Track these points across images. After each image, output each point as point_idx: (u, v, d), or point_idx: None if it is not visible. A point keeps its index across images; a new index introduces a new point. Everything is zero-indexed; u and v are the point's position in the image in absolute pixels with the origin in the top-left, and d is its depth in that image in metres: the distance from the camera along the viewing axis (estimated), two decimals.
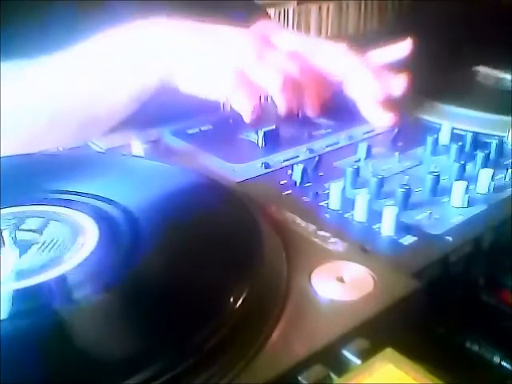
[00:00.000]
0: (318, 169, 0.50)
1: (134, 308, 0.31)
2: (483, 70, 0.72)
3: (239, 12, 0.67)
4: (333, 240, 0.38)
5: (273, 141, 0.55)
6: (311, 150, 0.54)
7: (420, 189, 0.46)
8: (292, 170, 0.48)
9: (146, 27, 0.54)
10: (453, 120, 0.58)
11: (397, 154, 0.52)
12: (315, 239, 0.38)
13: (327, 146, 0.55)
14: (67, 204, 0.39)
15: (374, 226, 0.41)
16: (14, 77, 0.54)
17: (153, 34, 0.54)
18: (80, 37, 0.53)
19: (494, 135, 0.55)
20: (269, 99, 0.63)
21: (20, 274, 0.32)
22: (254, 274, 0.33)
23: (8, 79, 0.53)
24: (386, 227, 0.40)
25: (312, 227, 0.40)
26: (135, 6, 0.59)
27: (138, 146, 0.52)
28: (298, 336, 0.30)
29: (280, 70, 0.52)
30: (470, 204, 0.44)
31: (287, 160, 0.52)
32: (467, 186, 0.44)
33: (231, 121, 0.60)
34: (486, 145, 0.53)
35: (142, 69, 0.54)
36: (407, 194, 0.43)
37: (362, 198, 0.42)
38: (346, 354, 0.29)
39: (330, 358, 0.29)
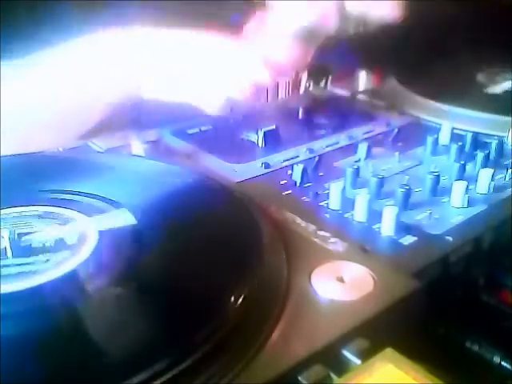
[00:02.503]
0: (318, 169, 0.50)
1: (134, 308, 0.31)
2: (483, 70, 0.72)
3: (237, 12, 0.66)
4: (333, 240, 0.38)
5: (273, 141, 0.55)
6: (311, 150, 0.54)
7: (420, 189, 0.46)
8: (292, 170, 0.48)
9: (121, 36, 0.54)
10: (453, 120, 0.58)
11: (397, 154, 0.52)
12: (315, 239, 0.38)
13: (327, 146, 0.55)
14: (67, 204, 0.39)
15: (374, 226, 0.41)
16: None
17: (125, 44, 0.54)
18: (75, 35, 0.53)
19: (494, 135, 0.55)
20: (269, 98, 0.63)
21: (19, 275, 0.32)
22: (254, 274, 0.33)
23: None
24: (386, 227, 0.40)
25: (312, 227, 0.40)
26: (133, 7, 0.59)
27: (138, 146, 0.52)
28: (298, 336, 0.30)
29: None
30: (470, 204, 0.44)
31: (287, 160, 0.52)
32: (467, 186, 0.44)
33: (231, 121, 0.60)
34: (486, 145, 0.53)
35: (113, 79, 0.54)
36: (407, 194, 0.43)
37: (361, 198, 0.42)
38: (346, 354, 0.29)
39: (330, 358, 0.29)
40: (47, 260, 0.33)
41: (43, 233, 0.36)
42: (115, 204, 0.39)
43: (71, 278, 0.32)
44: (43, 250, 0.34)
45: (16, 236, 0.35)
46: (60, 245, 0.35)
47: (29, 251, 0.34)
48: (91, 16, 0.59)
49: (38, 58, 0.54)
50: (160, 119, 0.58)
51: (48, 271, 0.32)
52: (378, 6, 0.56)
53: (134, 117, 0.57)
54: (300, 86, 0.79)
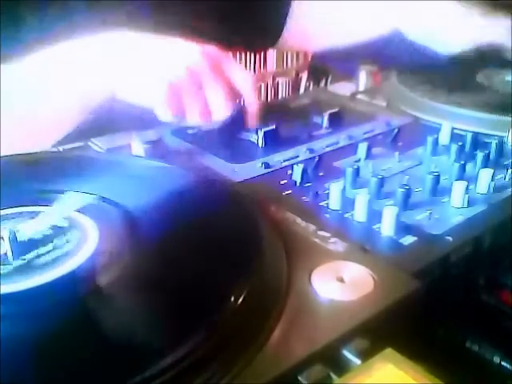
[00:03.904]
0: (318, 169, 0.50)
1: (134, 308, 0.31)
2: (484, 70, 0.72)
3: None
4: (333, 240, 0.38)
5: (273, 141, 0.55)
6: (311, 150, 0.54)
7: (420, 189, 0.46)
8: (292, 170, 0.48)
9: (91, 42, 0.54)
10: (453, 120, 0.58)
11: (397, 154, 0.52)
12: (315, 239, 0.38)
13: (327, 146, 0.55)
14: None
15: (374, 226, 0.41)
16: None
17: (97, 48, 0.55)
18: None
19: (494, 135, 0.55)
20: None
21: (19, 275, 0.32)
22: (254, 274, 0.33)
23: None
24: (386, 227, 0.40)
25: (312, 227, 0.40)
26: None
27: (138, 146, 0.52)
28: (298, 336, 0.30)
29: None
30: (470, 204, 0.44)
31: (287, 160, 0.52)
32: (467, 186, 0.44)
33: (231, 121, 0.60)
34: (486, 145, 0.53)
35: (85, 80, 0.54)
36: (407, 194, 0.43)
37: (361, 198, 0.42)
38: (346, 354, 0.29)
39: (330, 358, 0.29)
40: (47, 260, 0.33)
41: (43, 233, 0.36)
42: (115, 204, 0.39)
43: (70, 278, 0.32)
44: (43, 250, 0.34)
45: (16, 236, 0.35)
46: (60, 245, 0.35)
47: (31, 249, 0.34)
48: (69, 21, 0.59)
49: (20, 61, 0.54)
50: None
51: (47, 271, 0.32)
52: None
53: (135, 116, 0.57)
54: (300, 86, 0.79)
